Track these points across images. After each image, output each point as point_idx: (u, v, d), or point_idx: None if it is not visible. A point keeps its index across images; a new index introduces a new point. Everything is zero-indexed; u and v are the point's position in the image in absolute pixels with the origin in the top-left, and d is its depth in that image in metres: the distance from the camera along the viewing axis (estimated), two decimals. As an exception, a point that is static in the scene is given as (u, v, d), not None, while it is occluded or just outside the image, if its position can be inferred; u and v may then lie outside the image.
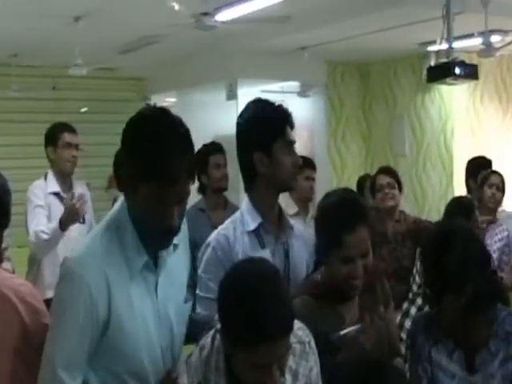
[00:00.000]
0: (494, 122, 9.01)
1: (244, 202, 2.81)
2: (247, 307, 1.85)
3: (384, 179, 5.14)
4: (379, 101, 9.64)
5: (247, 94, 8.25)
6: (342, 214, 2.41)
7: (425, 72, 8.10)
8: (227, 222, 2.81)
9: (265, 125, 2.67)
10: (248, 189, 2.80)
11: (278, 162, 2.68)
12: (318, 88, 9.11)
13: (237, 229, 2.73)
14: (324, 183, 8.94)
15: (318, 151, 9.17)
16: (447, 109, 8.68)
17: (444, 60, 5.91)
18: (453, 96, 8.61)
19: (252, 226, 2.71)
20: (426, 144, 8.97)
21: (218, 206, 4.95)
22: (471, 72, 5.96)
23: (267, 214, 2.74)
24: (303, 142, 9.03)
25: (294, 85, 8.92)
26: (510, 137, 9.13)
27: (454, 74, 5.82)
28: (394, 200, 5.09)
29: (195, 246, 2.62)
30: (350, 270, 2.40)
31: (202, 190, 4.98)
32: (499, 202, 5.62)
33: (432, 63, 8.23)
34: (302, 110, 9.01)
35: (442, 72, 6.00)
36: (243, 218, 2.75)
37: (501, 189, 5.62)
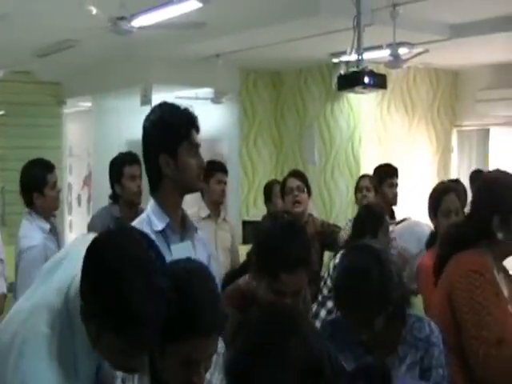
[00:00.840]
0: (400, 131, 9.35)
1: (149, 204, 2.82)
2: (187, 300, 1.87)
3: (294, 182, 5.30)
4: (290, 109, 9.87)
5: (162, 99, 8.31)
6: (285, 252, 2.40)
7: (335, 81, 8.42)
8: (133, 224, 2.77)
9: (170, 128, 2.70)
10: (154, 190, 2.81)
11: (183, 164, 2.70)
12: (231, 95, 9.26)
13: (144, 229, 2.68)
14: (235, 187, 9.13)
15: (230, 156, 9.33)
16: (355, 118, 8.97)
17: (354, 69, 6.13)
18: (361, 106, 8.90)
19: (160, 226, 2.72)
20: (334, 152, 9.24)
21: (130, 217, 4.93)
22: (380, 82, 6.18)
23: (172, 214, 2.77)
24: (216, 147, 9.18)
25: (207, 91, 9.03)
26: (415, 146, 9.50)
27: (363, 83, 6.03)
28: (302, 205, 5.26)
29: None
30: (278, 299, 2.38)
31: (114, 198, 4.94)
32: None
33: (342, 73, 8.51)
34: (216, 116, 9.16)
35: (351, 81, 6.21)
36: (150, 218, 2.75)
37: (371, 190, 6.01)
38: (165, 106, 2.79)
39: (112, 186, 4.88)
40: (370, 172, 6.51)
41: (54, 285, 1.87)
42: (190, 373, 1.89)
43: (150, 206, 2.81)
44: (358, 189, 6.22)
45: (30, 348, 1.76)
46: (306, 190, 5.33)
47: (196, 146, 2.74)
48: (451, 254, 2.85)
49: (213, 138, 8.83)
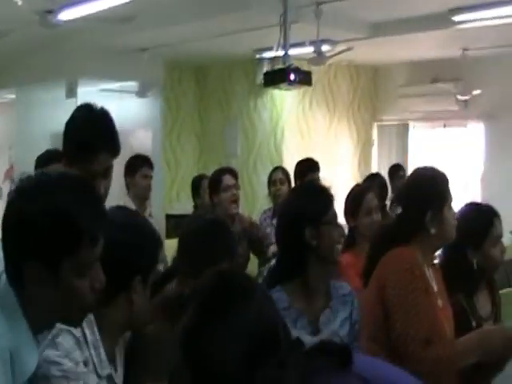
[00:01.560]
0: (321, 126, 9.56)
1: None
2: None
3: (230, 180, 5.27)
4: (214, 103, 9.96)
5: (87, 92, 8.29)
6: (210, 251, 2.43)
7: (261, 77, 8.57)
8: None
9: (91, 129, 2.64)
10: None
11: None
12: (155, 89, 9.27)
13: None
14: (158, 181, 9.13)
15: (153, 150, 9.35)
16: (278, 113, 9.13)
17: (280, 66, 6.25)
18: (284, 101, 9.06)
19: None
20: (257, 145, 9.38)
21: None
22: (305, 78, 6.33)
23: None
24: (139, 141, 9.18)
25: (132, 85, 9.02)
26: (337, 140, 9.73)
27: (289, 80, 6.17)
28: (236, 203, 5.27)
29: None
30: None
31: None
32: None
33: (266, 69, 8.67)
34: (140, 109, 9.15)
35: (277, 77, 6.33)
36: None
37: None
38: (90, 107, 2.72)
39: None
40: (292, 166, 6.64)
41: None
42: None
43: None
44: (271, 182, 6.31)
45: None
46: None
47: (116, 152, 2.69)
48: (382, 254, 2.87)
49: (136, 131, 8.84)
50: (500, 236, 3.19)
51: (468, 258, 3.09)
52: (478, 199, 8.99)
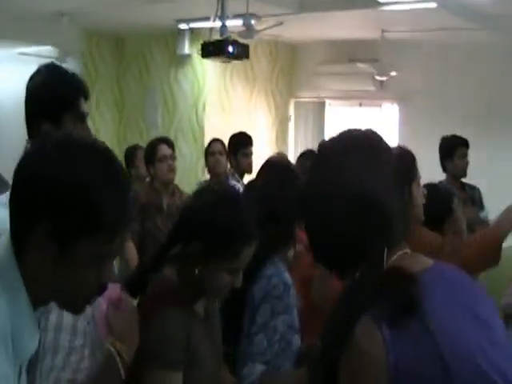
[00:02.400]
0: (241, 100, 9.63)
1: None
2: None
3: (167, 150, 5.30)
4: (133, 73, 9.86)
5: (4, 55, 8.09)
6: (244, 225, 2.19)
7: (183, 48, 8.54)
8: None
9: (55, 92, 2.40)
10: None
11: None
12: (74, 55, 9.10)
13: None
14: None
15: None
16: (200, 85, 9.13)
17: (218, 38, 6.20)
18: (206, 73, 9.07)
19: None
20: (178, 117, 9.36)
21: None
22: (243, 51, 6.31)
23: None
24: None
25: (51, 50, 8.82)
26: (256, 115, 9.83)
27: (227, 52, 6.14)
28: (173, 172, 5.32)
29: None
30: (232, 280, 2.19)
31: None
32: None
33: (187, 40, 8.65)
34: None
35: (216, 49, 6.29)
36: None
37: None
38: (52, 68, 2.52)
39: None
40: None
41: None
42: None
43: None
44: (209, 153, 6.33)
45: None
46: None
47: (83, 115, 2.46)
48: None
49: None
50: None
51: None
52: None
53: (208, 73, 9.06)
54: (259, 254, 2.29)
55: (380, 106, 9.75)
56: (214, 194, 2.27)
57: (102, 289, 1.52)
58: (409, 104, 9.26)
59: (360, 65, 9.19)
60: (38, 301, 1.48)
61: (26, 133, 2.46)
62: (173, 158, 5.35)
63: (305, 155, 5.66)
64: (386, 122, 9.65)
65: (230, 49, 6.15)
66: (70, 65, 9.12)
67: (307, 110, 10.29)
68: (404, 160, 2.88)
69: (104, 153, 1.50)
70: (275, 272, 2.61)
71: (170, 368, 2.01)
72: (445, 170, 5.77)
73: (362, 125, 7.19)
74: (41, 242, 1.42)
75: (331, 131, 9.99)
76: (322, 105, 10.14)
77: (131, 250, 4.99)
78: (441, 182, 5.13)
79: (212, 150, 6.30)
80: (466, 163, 5.75)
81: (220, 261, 2.09)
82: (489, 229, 3.16)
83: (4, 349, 1.39)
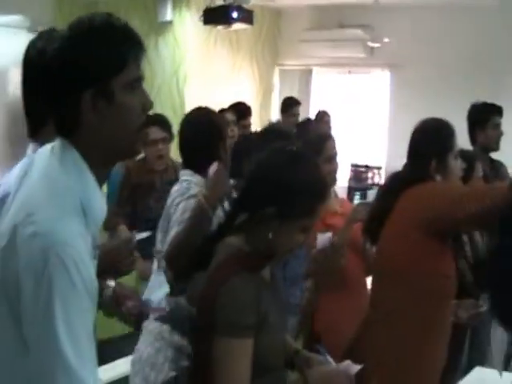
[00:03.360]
0: (224, 68, 9.21)
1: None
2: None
3: (157, 133, 4.80)
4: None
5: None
6: (320, 180, 2.21)
7: (164, 14, 8.10)
8: None
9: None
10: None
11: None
12: (46, 24, 8.58)
13: None
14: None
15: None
16: (182, 53, 8.67)
17: (221, 3, 5.85)
18: (187, 40, 8.61)
19: None
20: (157, 87, 8.89)
21: None
22: (247, 17, 5.99)
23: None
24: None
25: (21, 19, 8.33)
26: (240, 83, 9.43)
27: (231, 18, 5.80)
28: (162, 159, 4.88)
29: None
30: (304, 238, 2.22)
31: None
32: None
33: (169, 6, 8.21)
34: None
35: (219, 15, 5.95)
36: None
37: None
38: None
39: None
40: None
41: None
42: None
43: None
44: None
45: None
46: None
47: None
48: (391, 202, 2.97)
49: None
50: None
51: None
52: (385, 146, 9.08)
53: (190, 40, 8.60)
54: None
55: (369, 73, 9.45)
56: (283, 154, 2.21)
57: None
58: (401, 71, 9.00)
59: (351, 31, 8.84)
60: (99, 175, 1.66)
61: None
62: (166, 140, 4.86)
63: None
64: (376, 89, 9.36)
65: (235, 14, 5.80)
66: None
67: (293, 78, 9.96)
68: (440, 132, 3.03)
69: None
70: None
71: (241, 336, 1.99)
72: (474, 142, 5.36)
73: (350, 92, 7.03)
74: (88, 109, 1.59)
75: (317, 100, 9.71)
76: (309, 73, 9.82)
77: (124, 232, 4.66)
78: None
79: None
80: (500, 134, 5.38)
81: (295, 221, 2.10)
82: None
83: (79, 220, 1.57)
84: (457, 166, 3.04)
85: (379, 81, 9.38)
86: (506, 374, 3.21)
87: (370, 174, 8.88)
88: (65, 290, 1.49)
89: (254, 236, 2.13)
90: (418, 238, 2.84)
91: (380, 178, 8.92)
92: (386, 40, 8.72)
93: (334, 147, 3.80)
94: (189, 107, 8.02)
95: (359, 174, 8.86)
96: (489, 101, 5.57)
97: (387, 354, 2.91)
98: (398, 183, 3.03)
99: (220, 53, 9.09)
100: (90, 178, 1.62)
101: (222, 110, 6.06)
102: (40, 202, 1.56)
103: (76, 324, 1.50)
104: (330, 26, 9.23)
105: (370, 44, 8.85)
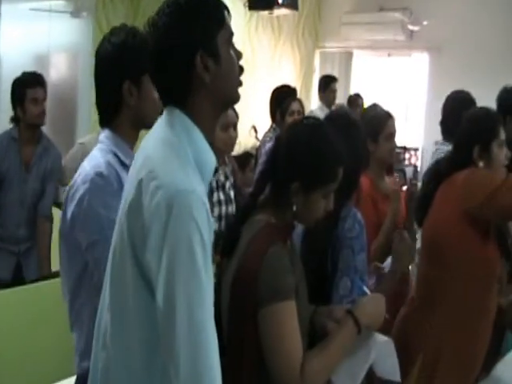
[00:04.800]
0: (266, 51, 9.34)
1: (106, 136, 2.53)
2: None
3: (233, 118, 4.85)
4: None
5: (12, 11, 7.76)
6: (337, 147, 2.29)
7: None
8: (94, 153, 2.56)
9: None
10: (108, 123, 2.53)
11: (147, 93, 2.45)
12: (87, 10, 8.79)
13: (110, 161, 2.48)
14: (84, 107, 8.73)
15: (81, 75, 8.93)
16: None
17: None
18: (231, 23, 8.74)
19: (127, 160, 2.47)
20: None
21: (31, 140, 4.80)
22: (292, 2, 6.01)
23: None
24: (71, 63, 8.76)
25: (64, 4, 8.51)
26: (281, 67, 9.56)
27: (277, 3, 5.84)
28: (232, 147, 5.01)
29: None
30: (326, 204, 2.29)
31: (16, 121, 4.74)
32: None
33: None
34: (70, 31, 8.68)
35: (264, 0, 5.97)
36: (113, 151, 2.51)
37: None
38: (128, 30, 2.52)
39: (14, 108, 4.72)
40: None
41: None
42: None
43: (107, 137, 2.53)
44: (288, 112, 5.92)
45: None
46: None
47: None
48: (436, 189, 3.07)
49: (68, 53, 8.41)
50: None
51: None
52: (421, 128, 9.13)
53: (231, 24, 8.72)
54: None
55: (409, 55, 9.47)
56: (299, 128, 2.31)
57: None
58: (440, 54, 8.99)
59: (390, 14, 8.89)
60: (208, 130, 1.83)
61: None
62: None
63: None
64: (415, 72, 9.40)
65: (280, 0, 5.83)
66: (82, 20, 8.85)
67: (333, 60, 10.03)
68: (485, 120, 3.09)
69: None
70: (349, 213, 2.67)
71: (288, 298, 2.04)
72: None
73: (389, 75, 7.01)
74: (201, 70, 1.79)
75: (358, 82, 9.78)
76: (349, 55, 9.89)
77: None
78: None
79: (291, 110, 5.95)
80: None
81: (319, 189, 2.19)
82: None
83: (195, 172, 1.72)
84: (501, 154, 3.07)
85: (418, 64, 9.39)
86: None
87: (407, 155, 8.97)
88: (191, 234, 1.61)
89: (279, 211, 2.21)
90: (462, 225, 2.92)
91: (417, 159, 9.00)
92: (425, 23, 8.73)
93: (394, 126, 3.79)
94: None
95: (397, 155, 8.94)
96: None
97: (431, 338, 2.97)
98: (442, 169, 3.11)
99: (261, 37, 9.23)
100: (198, 136, 1.79)
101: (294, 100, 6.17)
102: (159, 161, 1.72)
103: (199, 268, 1.61)
104: (369, 9, 9.28)
105: (410, 27, 8.86)
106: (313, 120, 2.39)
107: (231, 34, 1.88)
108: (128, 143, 2.54)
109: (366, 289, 2.45)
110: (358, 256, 2.62)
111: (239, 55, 1.89)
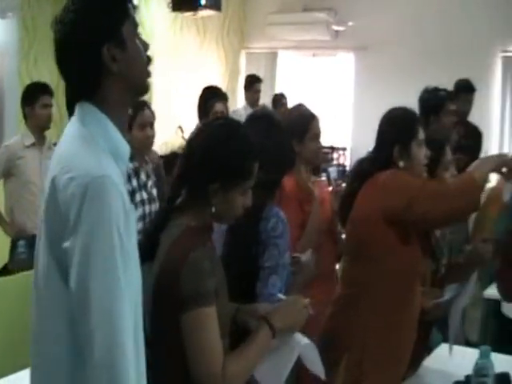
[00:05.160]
0: (191, 52, 9.30)
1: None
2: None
3: (148, 117, 4.77)
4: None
5: None
6: (251, 143, 2.34)
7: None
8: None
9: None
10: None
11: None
12: (12, 9, 8.56)
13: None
14: (13, 107, 8.52)
15: (7, 75, 8.71)
16: (148, 37, 8.68)
17: None
18: (154, 26, 8.65)
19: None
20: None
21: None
22: (215, 4, 6.03)
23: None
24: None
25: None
26: (206, 67, 9.52)
27: (199, 5, 5.85)
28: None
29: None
30: (244, 201, 2.32)
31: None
32: None
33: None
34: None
35: (187, 2, 5.98)
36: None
37: None
38: None
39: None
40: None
41: None
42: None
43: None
44: (212, 113, 5.84)
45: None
46: None
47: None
48: (359, 188, 3.07)
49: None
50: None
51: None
52: (349, 127, 9.22)
53: (156, 25, 8.64)
54: (256, 200, 2.36)
55: (334, 55, 9.55)
56: (215, 130, 2.30)
57: None
58: (365, 54, 9.11)
59: (315, 14, 8.94)
60: (120, 120, 1.84)
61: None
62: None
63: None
64: (341, 72, 9.48)
65: (203, 1, 5.83)
66: (7, 19, 8.62)
67: (259, 61, 10.03)
68: (404, 120, 3.09)
69: None
70: (271, 213, 2.69)
71: (209, 303, 2.07)
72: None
73: (315, 75, 7.03)
74: (109, 60, 1.78)
75: (283, 82, 9.81)
76: (275, 55, 9.91)
77: None
78: None
79: (215, 110, 5.84)
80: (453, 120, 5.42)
81: (237, 187, 2.21)
82: (462, 175, 3.14)
83: (110, 160, 1.73)
84: (421, 153, 3.08)
85: (344, 64, 9.48)
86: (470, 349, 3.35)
87: (335, 155, 9.02)
88: (105, 215, 1.63)
89: (198, 213, 2.22)
90: (383, 225, 2.92)
91: (345, 159, 9.07)
92: (350, 23, 8.82)
93: (319, 126, 3.83)
94: (155, 91, 8.19)
95: (325, 155, 8.98)
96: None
97: (356, 336, 2.97)
98: (364, 168, 3.12)
99: (186, 38, 9.17)
100: (109, 126, 1.79)
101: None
102: (70, 155, 1.73)
103: (114, 248, 1.63)
104: (294, 9, 9.33)
105: (334, 27, 8.94)
106: (222, 120, 2.47)
107: (136, 25, 1.89)
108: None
109: (280, 295, 2.47)
110: (285, 254, 2.68)
111: (146, 46, 1.90)
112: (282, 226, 2.68)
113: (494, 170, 2.87)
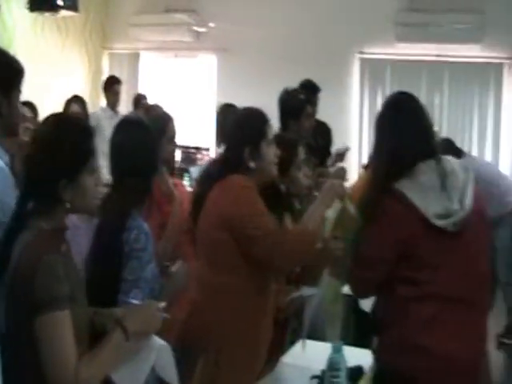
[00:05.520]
0: (53, 52, 9.22)
1: None
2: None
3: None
4: None
5: None
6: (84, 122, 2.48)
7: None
8: None
9: None
10: None
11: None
12: None
13: None
14: None
15: None
16: (10, 37, 8.52)
17: None
18: (15, 24, 8.50)
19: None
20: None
21: None
22: (72, 4, 6.02)
23: None
24: None
25: None
26: (69, 68, 9.45)
27: (57, 6, 5.83)
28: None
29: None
30: (97, 180, 2.37)
31: None
32: None
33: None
34: None
35: (44, 2, 5.95)
36: None
37: None
38: None
39: None
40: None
41: None
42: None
43: None
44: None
45: None
46: None
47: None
48: (209, 190, 3.08)
49: None
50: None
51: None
52: (213, 128, 9.31)
53: (17, 26, 8.48)
54: (122, 209, 2.45)
55: (196, 56, 9.67)
56: (46, 129, 2.29)
57: None
58: (227, 55, 9.27)
59: (177, 15, 9.04)
60: None
61: None
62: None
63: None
64: (203, 72, 9.61)
65: (60, 2, 5.84)
66: None
67: (121, 62, 10.04)
68: (251, 120, 3.12)
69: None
70: (134, 225, 2.71)
71: (64, 307, 2.08)
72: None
73: (177, 76, 7.13)
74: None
75: (146, 83, 9.86)
76: (137, 56, 9.94)
77: None
78: None
79: (70, 111, 5.85)
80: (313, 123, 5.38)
81: (83, 172, 2.21)
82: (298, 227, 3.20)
83: None
84: (271, 153, 3.11)
85: (206, 65, 9.61)
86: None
87: (199, 156, 9.14)
88: None
89: (50, 214, 2.21)
90: (226, 232, 2.97)
91: (209, 159, 9.20)
92: (212, 25, 8.96)
93: (174, 127, 3.89)
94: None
95: (189, 155, 9.09)
96: (323, 84, 5.94)
97: (214, 336, 3.01)
98: (215, 169, 3.17)
99: (48, 38, 9.07)
100: None
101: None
102: None
103: None
104: (155, 10, 9.40)
105: (196, 28, 9.06)
106: (50, 118, 2.40)
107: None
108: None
109: (134, 300, 2.54)
110: (147, 267, 2.70)
111: None
112: (144, 239, 2.69)
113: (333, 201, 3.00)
